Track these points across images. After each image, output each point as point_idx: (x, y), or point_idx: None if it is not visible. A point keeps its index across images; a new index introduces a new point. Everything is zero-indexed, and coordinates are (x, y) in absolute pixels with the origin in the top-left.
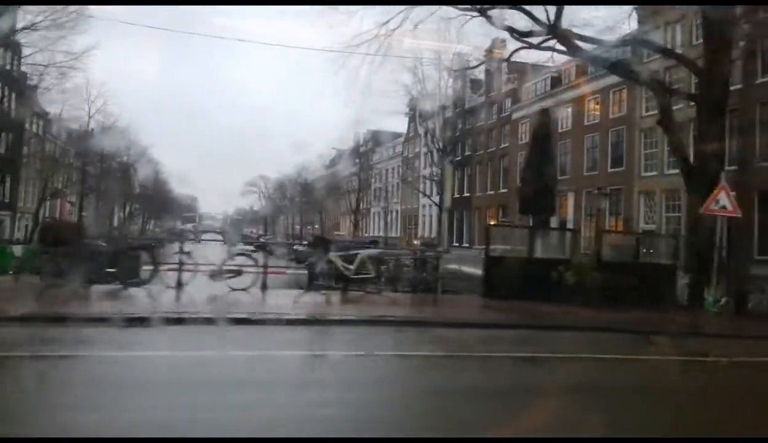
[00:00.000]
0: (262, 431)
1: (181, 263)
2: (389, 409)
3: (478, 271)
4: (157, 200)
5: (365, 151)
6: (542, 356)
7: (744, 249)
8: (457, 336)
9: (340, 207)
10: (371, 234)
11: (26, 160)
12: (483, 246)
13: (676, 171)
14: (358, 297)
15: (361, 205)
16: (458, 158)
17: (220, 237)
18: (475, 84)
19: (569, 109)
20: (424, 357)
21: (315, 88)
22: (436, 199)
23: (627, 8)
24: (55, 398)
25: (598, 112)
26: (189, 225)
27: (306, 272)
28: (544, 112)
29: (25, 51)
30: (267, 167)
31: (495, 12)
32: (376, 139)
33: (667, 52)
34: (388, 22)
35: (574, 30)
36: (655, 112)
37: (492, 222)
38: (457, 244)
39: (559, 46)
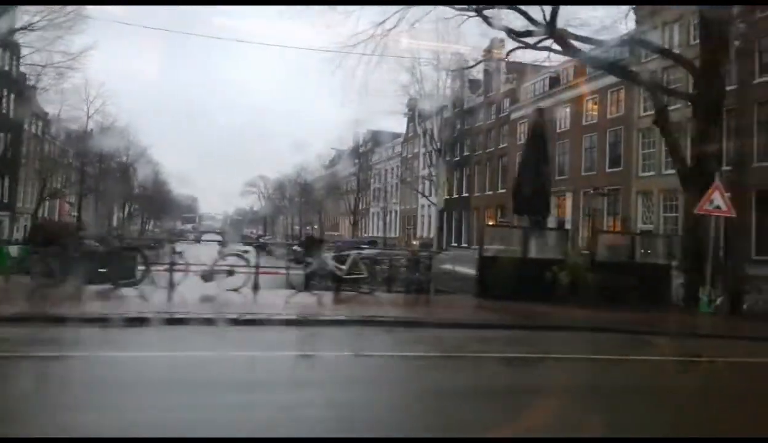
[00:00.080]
0: (251, 431)
1: (172, 263)
2: (370, 411)
3: (472, 271)
4: (157, 200)
5: (364, 151)
6: (535, 356)
7: (741, 249)
8: (448, 337)
9: (339, 207)
10: (370, 235)
11: (25, 161)
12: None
13: (674, 171)
14: (349, 298)
15: (360, 206)
16: (457, 158)
17: (219, 238)
18: (473, 84)
19: (567, 109)
20: (414, 357)
21: (314, 88)
22: (434, 199)
23: (624, 8)
24: (48, 399)
25: (596, 112)
26: (189, 226)
27: (302, 272)
28: (540, 112)
29: (23, 51)
30: (266, 167)
31: (491, 12)
32: (375, 139)
33: (664, 52)
34: (384, 22)
35: (571, 30)
36: (653, 112)
37: (490, 223)
38: (455, 244)
39: (556, 46)
